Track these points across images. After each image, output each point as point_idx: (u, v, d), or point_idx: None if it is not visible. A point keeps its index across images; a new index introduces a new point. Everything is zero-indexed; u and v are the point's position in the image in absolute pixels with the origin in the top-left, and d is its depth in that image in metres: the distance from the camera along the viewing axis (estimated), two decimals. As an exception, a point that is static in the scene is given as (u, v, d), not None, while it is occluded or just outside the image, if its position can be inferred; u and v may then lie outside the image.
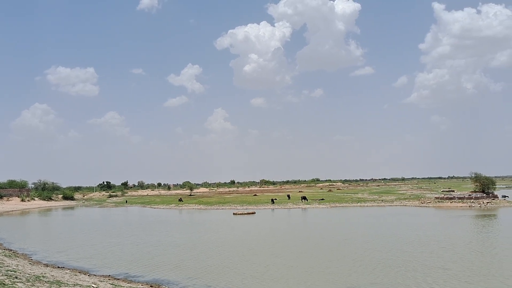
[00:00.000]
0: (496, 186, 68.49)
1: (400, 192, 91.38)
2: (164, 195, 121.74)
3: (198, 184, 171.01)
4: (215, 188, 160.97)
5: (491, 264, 21.44)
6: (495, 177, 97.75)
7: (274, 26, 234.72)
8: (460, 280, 18.19)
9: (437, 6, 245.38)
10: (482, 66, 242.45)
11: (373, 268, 21.03)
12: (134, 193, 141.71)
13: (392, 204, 64.29)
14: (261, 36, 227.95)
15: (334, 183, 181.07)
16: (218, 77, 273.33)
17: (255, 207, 63.84)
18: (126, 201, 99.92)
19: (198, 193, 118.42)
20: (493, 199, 60.42)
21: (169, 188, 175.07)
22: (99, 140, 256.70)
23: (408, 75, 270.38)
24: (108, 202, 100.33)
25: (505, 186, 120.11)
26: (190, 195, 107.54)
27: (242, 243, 30.81)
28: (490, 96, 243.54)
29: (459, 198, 61.80)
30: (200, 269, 21.88)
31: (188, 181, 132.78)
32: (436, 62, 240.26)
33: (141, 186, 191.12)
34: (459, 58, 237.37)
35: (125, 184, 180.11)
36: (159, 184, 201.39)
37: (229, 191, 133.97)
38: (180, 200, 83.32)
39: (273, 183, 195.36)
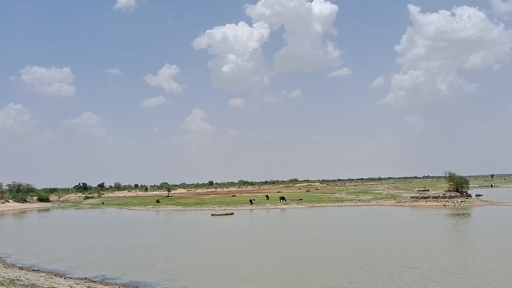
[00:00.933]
0: (470, 186, 69.91)
1: (376, 191, 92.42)
2: (141, 196, 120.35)
3: (175, 185, 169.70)
4: (193, 189, 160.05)
5: (459, 262, 21.75)
6: (469, 176, 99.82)
7: (252, 27, 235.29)
8: (427, 279, 18.44)
9: (412, 8, 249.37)
10: (456, 67, 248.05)
11: (343, 267, 21.21)
12: (110, 194, 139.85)
13: (369, 204, 64.97)
14: (239, 37, 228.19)
15: (312, 183, 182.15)
16: (196, 78, 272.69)
17: (234, 208, 63.63)
18: (103, 202, 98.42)
19: (176, 194, 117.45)
20: (466, 198, 61.66)
21: (146, 189, 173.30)
22: (75, 141, 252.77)
23: (384, 76, 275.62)
24: (84, 204, 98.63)
25: (478, 186, 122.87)
26: (168, 196, 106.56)
27: (217, 244, 30.64)
28: (463, 97, 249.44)
29: (434, 197, 62.89)
30: (173, 271, 21.76)
31: (166, 182, 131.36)
32: (411, 63, 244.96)
33: (118, 187, 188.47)
34: (434, 59, 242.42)
35: (101, 186, 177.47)
36: (136, 186, 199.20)
37: (207, 192, 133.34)
38: (158, 201, 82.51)
39: (252, 184, 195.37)
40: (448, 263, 21.37)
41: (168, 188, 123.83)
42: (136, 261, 24.93)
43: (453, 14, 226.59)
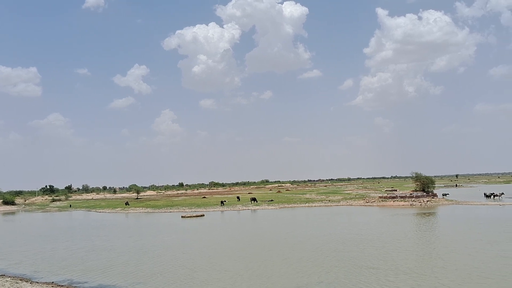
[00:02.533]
0: (435, 185, 71.77)
1: (346, 192, 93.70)
2: (110, 198, 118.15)
3: (145, 187, 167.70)
4: (163, 191, 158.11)
5: (416, 262, 22.05)
6: (435, 176, 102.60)
7: (223, 28, 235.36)
8: (381, 279, 18.73)
9: (380, 11, 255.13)
10: (423, 70, 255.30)
11: (301, 268, 21.37)
12: (78, 197, 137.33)
13: (339, 204, 65.81)
14: (210, 37, 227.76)
15: (283, 184, 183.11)
16: (166, 78, 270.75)
17: (204, 210, 63.25)
18: (70, 205, 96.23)
19: (145, 196, 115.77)
20: (432, 198, 63.26)
21: (115, 191, 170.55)
22: (42, 142, 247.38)
23: (354, 78, 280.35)
24: (51, 207, 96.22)
25: (443, 185, 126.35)
26: (137, 198, 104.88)
27: (182, 247, 30.41)
28: (430, 99, 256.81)
29: (401, 197, 64.27)
30: (131, 274, 21.62)
31: (135, 184, 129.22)
32: (380, 66, 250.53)
33: (86, 189, 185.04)
34: (402, 62, 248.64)
35: (69, 188, 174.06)
36: (105, 188, 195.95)
37: (178, 193, 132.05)
38: (127, 203, 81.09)
39: (223, 185, 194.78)
40: (403, 262, 21.63)
41: (138, 190, 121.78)
42: (95, 264, 24.67)
43: (420, 18, 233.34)
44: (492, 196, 66.93)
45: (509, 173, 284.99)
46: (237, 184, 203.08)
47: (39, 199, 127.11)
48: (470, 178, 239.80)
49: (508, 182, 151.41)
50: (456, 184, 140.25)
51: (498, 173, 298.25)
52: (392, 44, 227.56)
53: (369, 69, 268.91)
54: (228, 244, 31.12)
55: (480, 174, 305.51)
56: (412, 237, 30.96)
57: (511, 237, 28.11)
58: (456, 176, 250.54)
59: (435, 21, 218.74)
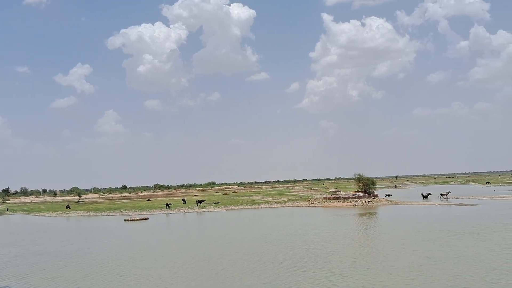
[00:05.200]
0: (376, 186, 74.26)
1: (292, 193, 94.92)
2: (50, 202, 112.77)
3: (87, 190, 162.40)
4: (106, 194, 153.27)
5: (344, 263, 22.09)
6: (376, 177, 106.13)
7: (170, 28, 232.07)
8: (305, 282, 18.89)
9: (326, 17, 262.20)
10: (366, 75, 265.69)
11: (228, 273, 21.24)
12: (16, 200, 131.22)
13: (285, 205, 66.59)
14: (156, 37, 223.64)
15: (230, 186, 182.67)
16: (110, 78, 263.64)
17: (148, 213, 61.77)
18: (8, 208, 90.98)
19: (87, 199, 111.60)
20: (373, 198, 65.42)
21: (55, 194, 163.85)
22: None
23: (300, 81, 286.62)
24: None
25: (384, 186, 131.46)
26: (79, 201, 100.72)
27: (111, 252, 29.58)
28: (372, 103, 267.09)
29: (345, 198, 65.95)
30: (47, 280, 21.22)
31: (76, 187, 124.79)
32: (325, 70, 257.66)
33: (24, 192, 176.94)
34: (346, 67, 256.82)
35: (6, 191, 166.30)
36: (44, 191, 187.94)
37: (121, 196, 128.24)
38: (68, 207, 77.69)
39: (168, 188, 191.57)
40: (337, 265, 21.78)
41: (79, 193, 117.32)
42: (17, 270, 24.10)
43: (363, 25, 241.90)
44: (440, 195, 69.84)
45: (444, 174, 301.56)
46: (183, 186, 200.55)
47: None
48: (409, 179, 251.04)
49: (443, 182, 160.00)
50: (396, 185, 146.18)
51: (435, 174, 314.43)
52: (337, 49, 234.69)
53: (315, 72, 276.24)
54: (162, 248, 30.59)
55: (418, 175, 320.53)
56: (351, 237, 31.39)
57: (440, 237, 29.01)
58: (396, 177, 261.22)
59: (377, 28, 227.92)
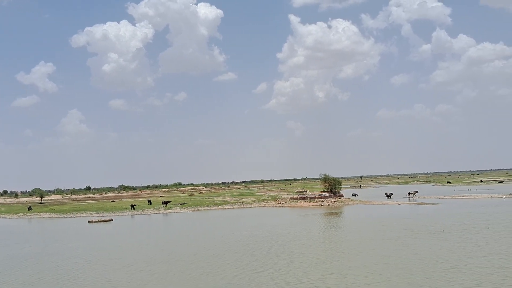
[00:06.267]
0: (342, 186, 75.37)
1: (259, 194, 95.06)
2: (10, 203, 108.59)
3: (49, 191, 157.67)
4: (69, 195, 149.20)
5: (303, 264, 22.19)
6: (341, 177, 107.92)
7: (136, 26, 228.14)
8: (264, 283, 19.00)
9: (293, 18, 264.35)
10: (332, 77, 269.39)
11: (182, 275, 21.29)
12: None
13: (252, 206, 66.68)
14: (121, 36, 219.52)
15: (197, 187, 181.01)
16: (74, 77, 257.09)
17: (113, 214, 60.57)
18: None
19: (50, 201, 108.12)
20: (339, 198, 66.42)
21: (16, 195, 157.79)
22: None
23: (268, 82, 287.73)
24: None
25: (349, 186, 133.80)
26: (41, 203, 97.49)
27: (69, 254, 29.08)
28: (338, 105, 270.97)
29: (311, 198, 66.67)
30: None
31: (39, 188, 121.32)
32: (292, 71, 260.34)
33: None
34: (312, 68, 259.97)
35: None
36: (5, 192, 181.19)
37: (85, 197, 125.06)
38: (30, 208, 75.43)
39: (133, 189, 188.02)
40: (291, 265, 21.93)
41: (41, 194, 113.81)
42: None
43: (329, 27, 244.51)
44: (408, 194, 71.47)
45: (406, 174, 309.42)
46: (148, 187, 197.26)
47: None
48: (373, 179, 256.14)
49: (406, 182, 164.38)
50: (361, 185, 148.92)
51: (398, 174, 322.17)
52: (303, 50, 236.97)
53: (282, 73, 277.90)
54: (126, 251, 30.10)
55: (382, 175, 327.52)
56: (313, 237, 31.62)
57: (399, 237, 29.61)
58: (361, 177, 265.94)
59: (343, 31, 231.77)
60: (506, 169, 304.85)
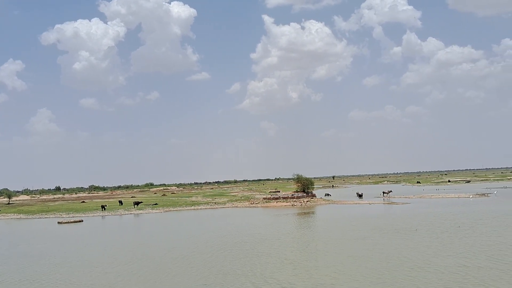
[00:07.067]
0: (315, 186, 76.14)
1: (232, 194, 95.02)
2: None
3: (17, 192, 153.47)
4: (38, 196, 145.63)
5: (267, 265, 22.32)
6: (314, 178, 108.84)
7: (107, 24, 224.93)
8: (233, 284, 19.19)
9: (267, 18, 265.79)
10: (305, 77, 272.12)
11: (144, 275, 21.28)
12: None
13: (225, 206, 66.62)
14: (92, 34, 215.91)
15: (169, 187, 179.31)
16: (43, 75, 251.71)
17: (83, 215, 59.60)
18: None
19: (18, 201, 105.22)
20: (312, 198, 67.09)
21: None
22: None
23: (241, 82, 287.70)
24: None
25: (322, 186, 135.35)
26: (9, 203, 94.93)
27: (45, 257, 28.34)
28: (311, 105, 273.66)
29: (284, 198, 67.13)
30: None
31: (6, 188, 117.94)
32: (266, 71, 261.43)
33: None
34: (286, 69, 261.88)
35: None
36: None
37: (54, 198, 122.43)
38: (-4, 209, 73.29)
39: (104, 189, 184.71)
40: (259, 266, 22.09)
41: (9, 194, 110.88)
42: None
43: (303, 28, 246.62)
44: (382, 194, 72.75)
45: (377, 174, 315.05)
46: (119, 187, 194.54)
47: None
48: (345, 179, 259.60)
49: (377, 182, 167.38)
50: (333, 185, 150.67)
51: (369, 174, 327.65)
52: (277, 51, 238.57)
53: (256, 74, 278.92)
54: (94, 252, 29.76)
55: (353, 175, 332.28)
56: (283, 238, 31.71)
57: (367, 236, 30.12)
58: (333, 177, 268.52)
59: (316, 32, 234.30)
60: (473, 169, 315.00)
